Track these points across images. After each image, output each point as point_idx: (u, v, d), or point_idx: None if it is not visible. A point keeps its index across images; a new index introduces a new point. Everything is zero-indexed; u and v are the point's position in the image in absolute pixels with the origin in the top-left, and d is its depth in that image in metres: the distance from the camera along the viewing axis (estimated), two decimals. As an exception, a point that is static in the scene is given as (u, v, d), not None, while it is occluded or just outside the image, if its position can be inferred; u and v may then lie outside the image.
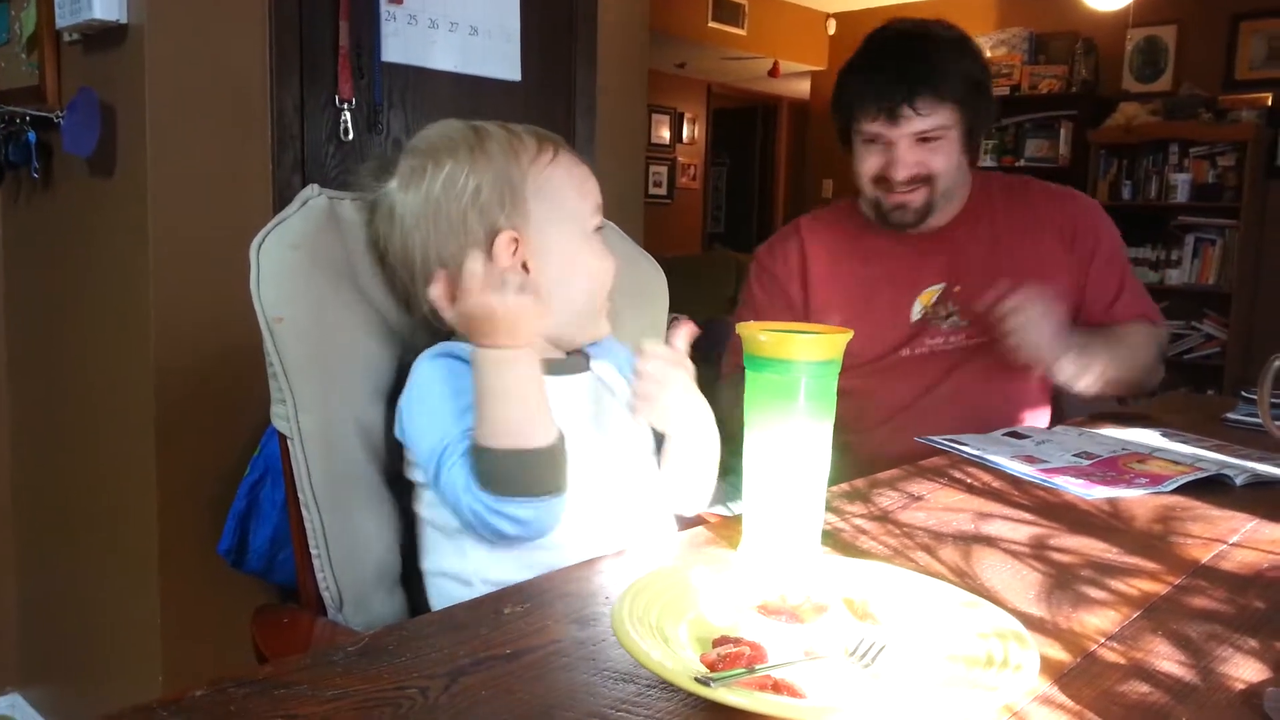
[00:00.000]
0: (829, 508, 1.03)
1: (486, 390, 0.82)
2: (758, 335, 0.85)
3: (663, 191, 7.78)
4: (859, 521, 1.00)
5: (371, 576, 0.93)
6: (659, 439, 0.99)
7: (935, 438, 1.35)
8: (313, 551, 0.90)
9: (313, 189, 0.95)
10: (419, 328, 0.98)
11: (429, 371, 0.90)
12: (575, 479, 0.86)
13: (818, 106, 6.82)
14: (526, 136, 0.97)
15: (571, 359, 1.01)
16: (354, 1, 1.92)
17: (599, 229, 0.99)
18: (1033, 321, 1.39)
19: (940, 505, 1.06)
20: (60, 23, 1.81)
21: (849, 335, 0.87)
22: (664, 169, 7.77)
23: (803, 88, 7.23)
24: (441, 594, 0.91)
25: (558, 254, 0.95)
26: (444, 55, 2.09)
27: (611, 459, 0.95)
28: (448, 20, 2.08)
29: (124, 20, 1.73)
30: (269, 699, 0.62)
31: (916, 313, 1.60)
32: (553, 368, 0.95)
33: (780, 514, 0.85)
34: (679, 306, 1.65)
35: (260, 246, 0.89)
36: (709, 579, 0.75)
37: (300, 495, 0.89)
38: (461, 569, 0.91)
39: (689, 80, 7.59)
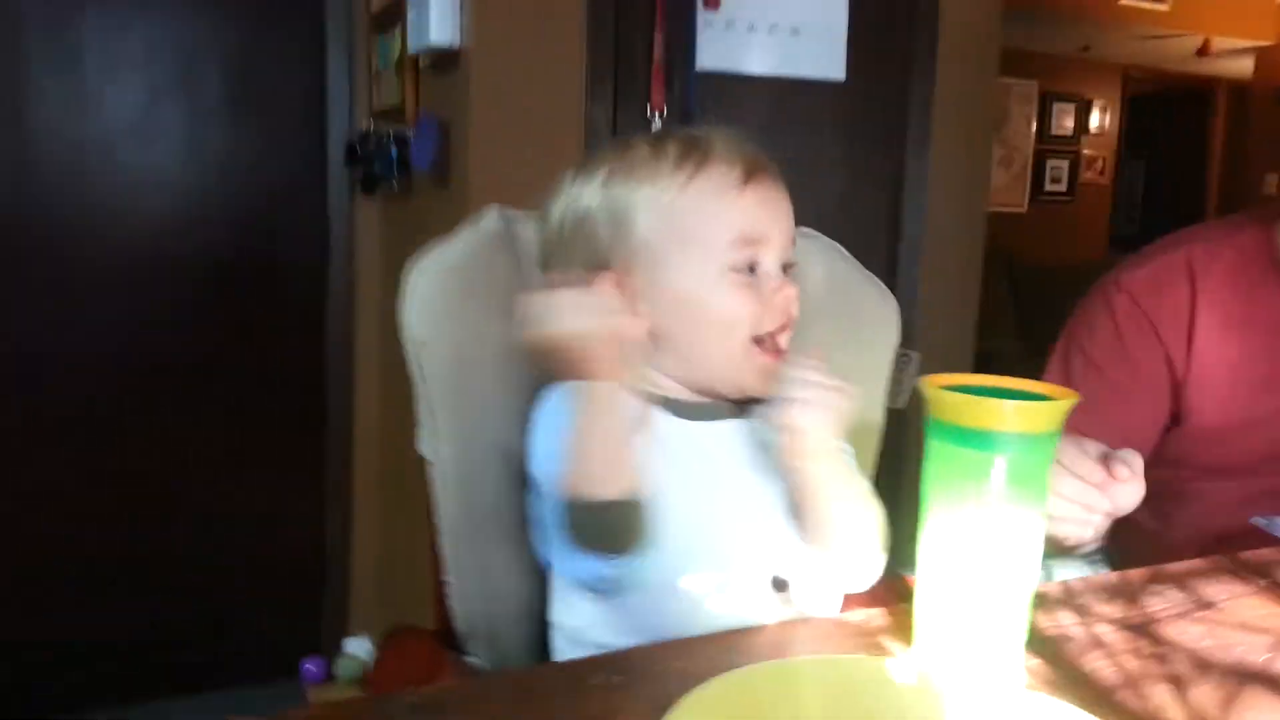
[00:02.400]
0: (1076, 603, 0.84)
1: (571, 426, 0.76)
2: (941, 393, 0.70)
3: (1062, 188, 7.08)
4: (1103, 629, 0.80)
5: (505, 615, 0.91)
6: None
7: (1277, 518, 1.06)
8: (449, 581, 0.89)
9: (491, 209, 0.95)
10: None
11: (557, 398, 0.84)
12: (688, 538, 0.78)
13: (1262, 88, 5.82)
14: (671, 148, 0.85)
15: (713, 403, 0.89)
16: (669, 11, 1.93)
17: (752, 267, 0.84)
18: None
19: (1234, 619, 0.82)
20: (410, 49, 2.00)
21: (1072, 401, 0.69)
22: (1064, 163, 7.06)
23: (1242, 67, 6.20)
24: (556, 651, 0.86)
25: (670, 296, 0.83)
26: (761, 59, 2.03)
27: (736, 518, 0.84)
28: (767, 22, 2.02)
29: (457, 45, 1.87)
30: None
31: None
32: (681, 410, 0.86)
33: (962, 620, 0.70)
34: (1051, 328, 1.32)
35: (414, 270, 0.90)
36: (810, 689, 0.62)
37: (437, 522, 0.89)
38: (567, 624, 0.85)
39: (1097, 64, 6.82)
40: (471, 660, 0.91)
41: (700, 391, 0.87)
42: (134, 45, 2.25)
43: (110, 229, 2.27)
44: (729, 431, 0.88)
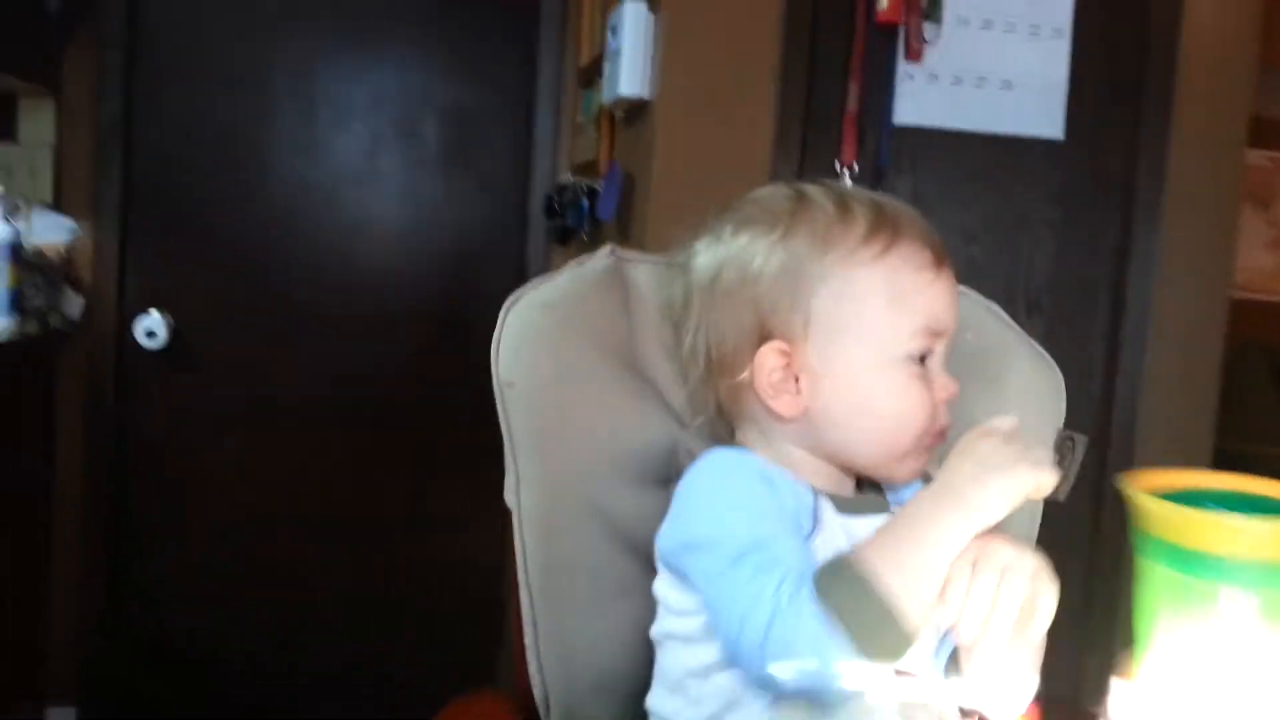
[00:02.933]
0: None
1: (928, 527, 0.66)
2: (1151, 502, 0.56)
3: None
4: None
5: (587, 685, 0.82)
6: None
7: None
8: (526, 642, 0.82)
9: (607, 249, 0.89)
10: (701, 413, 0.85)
11: (727, 463, 0.77)
12: None
13: None
14: (861, 215, 0.76)
15: (867, 497, 0.79)
16: (867, 63, 1.84)
17: (923, 356, 0.76)
18: None
19: None
20: (604, 101, 2.01)
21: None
22: (1354, 250, 6.24)
23: None
24: None
25: (840, 378, 0.75)
26: (966, 113, 1.89)
27: None
28: (975, 75, 1.88)
29: (646, 97, 1.86)
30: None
31: None
32: (841, 505, 0.76)
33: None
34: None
35: (511, 306, 0.85)
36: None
37: (519, 578, 0.83)
38: (677, 713, 0.75)
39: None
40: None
41: (846, 469, 0.79)
42: (362, 97, 2.41)
43: (328, 268, 2.42)
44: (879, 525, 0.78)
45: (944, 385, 0.76)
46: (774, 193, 0.82)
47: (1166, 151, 1.93)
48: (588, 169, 2.29)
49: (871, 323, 0.75)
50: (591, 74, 2.28)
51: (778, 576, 0.65)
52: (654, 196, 1.84)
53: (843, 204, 0.78)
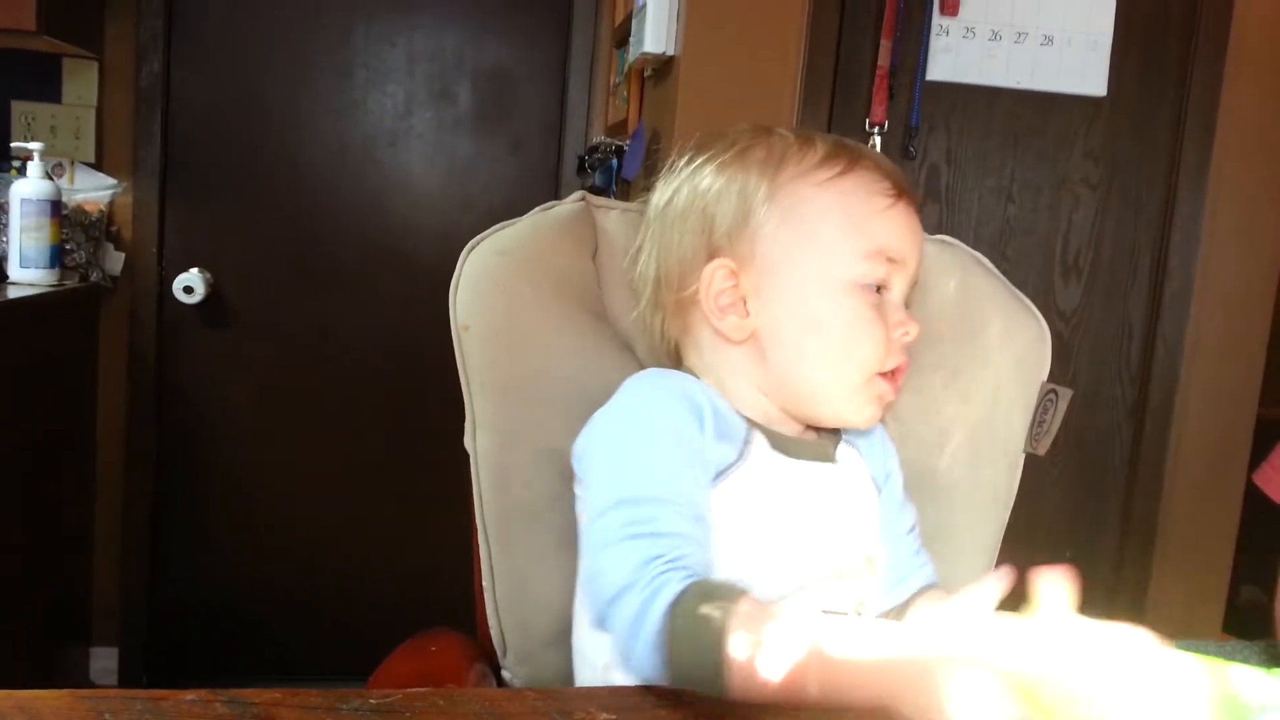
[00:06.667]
0: None
1: (816, 661, 0.54)
2: None
3: None
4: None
5: (542, 630, 0.81)
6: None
7: None
8: (484, 586, 0.82)
9: (578, 194, 0.88)
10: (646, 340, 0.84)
11: (655, 386, 0.73)
12: (768, 582, 0.66)
13: None
14: (820, 142, 0.75)
15: (809, 441, 0.77)
16: (900, 17, 1.78)
17: (880, 287, 0.73)
18: None
19: None
20: (631, 58, 1.99)
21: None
22: None
23: None
24: (579, 680, 0.76)
25: (787, 300, 0.73)
26: (1004, 70, 1.82)
27: (816, 568, 0.70)
28: (1014, 30, 1.81)
29: (671, 53, 1.83)
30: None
31: None
32: (776, 442, 0.74)
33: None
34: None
35: (470, 251, 0.85)
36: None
37: (476, 522, 0.82)
38: (595, 661, 0.75)
39: None
40: (505, 676, 0.83)
41: (789, 410, 0.76)
42: (397, 58, 2.41)
43: (362, 227, 2.44)
44: (826, 475, 0.76)
45: (901, 322, 0.73)
46: (744, 127, 0.80)
47: (1216, 110, 1.85)
48: (619, 129, 2.27)
49: (822, 243, 0.73)
50: (624, 33, 2.25)
51: (651, 553, 0.61)
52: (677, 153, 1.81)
53: (804, 135, 0.77)
